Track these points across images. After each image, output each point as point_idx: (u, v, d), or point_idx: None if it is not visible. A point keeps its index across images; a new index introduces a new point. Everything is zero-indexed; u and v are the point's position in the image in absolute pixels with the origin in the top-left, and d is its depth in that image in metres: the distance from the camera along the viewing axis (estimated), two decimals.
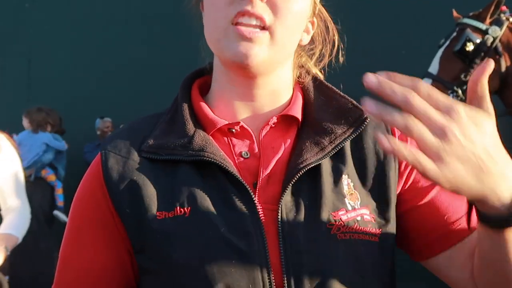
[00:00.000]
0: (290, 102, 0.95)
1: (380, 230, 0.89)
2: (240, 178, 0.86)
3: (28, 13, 6.59)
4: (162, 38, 5.67)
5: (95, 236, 0.90)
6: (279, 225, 0.84)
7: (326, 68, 1.03)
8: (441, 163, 0.67)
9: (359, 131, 0.92)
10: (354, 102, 0.94)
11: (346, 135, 0.91)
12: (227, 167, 0.86)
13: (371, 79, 0.69)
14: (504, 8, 2.91)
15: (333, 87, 0.98)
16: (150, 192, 0.86)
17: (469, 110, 0.70)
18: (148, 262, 0.86)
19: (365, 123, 0.92)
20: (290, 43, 0.90)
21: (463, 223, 0.93)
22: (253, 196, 0.85)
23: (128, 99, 5.47)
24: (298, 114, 0.94)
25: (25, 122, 5.39)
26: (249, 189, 0.86)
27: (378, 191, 0.91)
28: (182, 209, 0.85)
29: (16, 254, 2.29)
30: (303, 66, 1.00)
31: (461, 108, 0.69)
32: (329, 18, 1.00)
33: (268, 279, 0.81)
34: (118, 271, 0.90)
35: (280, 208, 0.85)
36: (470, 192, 0.70)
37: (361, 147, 0.93)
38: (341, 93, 0.96)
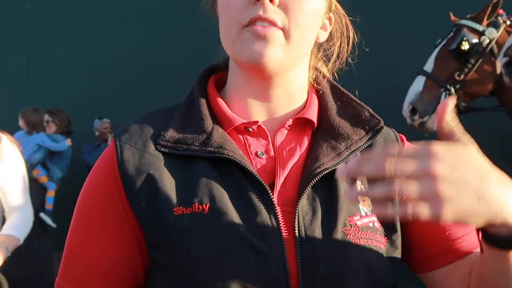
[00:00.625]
0: (305, 105, 0.95)
1: (387, 238, 0.90)
2: (260, 178, 0.86)
3: (27, 13, 6.59)
4: (162, 38, 5.67)
5: (106, 227, 0.88)
6: (296, 228, 0.84)
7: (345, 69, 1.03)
8: (439, 203, 0.67)
9: (374, 139, 0.93)
10: (371, 110, 0.96)
11: (362, 142, 0.92)
12: (246, 166, 0.86)
13: (340, 171, 0.71)
14: (501, 11, 2.94)
15: (349, 93, 0.98)
16: (167, 187, 0.85)
17: (444, 145, 0.70)
18: (163, 257, 0.85)
19: (381, 132, 0.93)
20: (305, 42, 0.90)
21: (464, 242, 0.93)
22: (272, 196, 0.85)
23: (127, 100, 5.47)
24: (314, 118, 0.94)
25: (21, 123, 5.40)
26: (268, 189, 0.85)
27: None
28: (200, 206, 0.84)
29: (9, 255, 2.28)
30: (319, 69, 1.00)
31: (436, 146, 0.69)
32: (345, 14, 1.01)
33: (285, 281, 0.81)
34: (128, 265, 0.89)
35: (297, 211, 0.85)
36: (476, 219, 0.70)
37: None
38: (357, 100, 0.97)
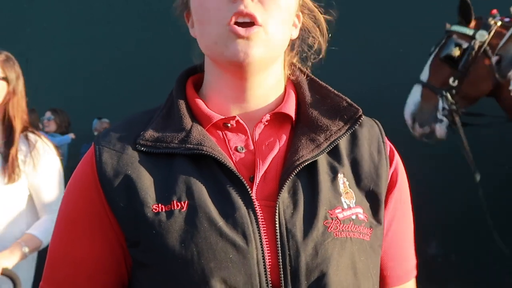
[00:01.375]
0: (283, 100, 0.97)
1: (372, 229, 0.91)
2: (237, 172, 0.87)
3: (26, 13, 6.58)
4: (163, 38, 5.67)
5: (88, 228, 0.90)
6: (276, 222, 0.85)
7: (322, 63, 1.04)
8: None
9: (353, 128, 0.94)
10: (349, 100, 0.96)
11: (341, 132, 0.93)
12: (224, 162, 0.87)
13: None
14: (494, 11, 2.97)
15: (327, 85, 0.99)
16: (146, 185, 0.87)
17: None
18: (143, 256, 0.86)
19: (360, 121, 0.94)
20: (282, 38, 0.91)
21: (399, 275, 0.99)
22: (250, 191, 0.86)
23: (126, 100, 5.46)
24: (292, 112, 0.96)
25: None
26: (246, 184, 0.87)
27: (371, 191, 0.93)
28: (179, 203, 0.85)
29: None
30: (294, 64, 1.01)
31: None
32: (315, 9, 1.02)
33: (265, 275, 0.82)
34: (113, 264, 0.91)
35: (277, 205, 0.86)
36: None
37: (357, 147, 0.95)
38: (335, 91, 0.98)
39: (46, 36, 6.32)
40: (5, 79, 2.35)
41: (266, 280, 0.82)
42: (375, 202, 0.93)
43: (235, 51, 0.86)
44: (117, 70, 5.68)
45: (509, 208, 3.63)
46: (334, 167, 0.92)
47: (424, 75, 3.05)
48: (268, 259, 0.83)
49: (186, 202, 0.85)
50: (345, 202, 0.89)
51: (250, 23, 0.86)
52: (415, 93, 3.04)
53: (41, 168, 2.31)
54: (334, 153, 0.93)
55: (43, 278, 0.95)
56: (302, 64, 1.02)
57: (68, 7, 6.30)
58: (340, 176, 0.91)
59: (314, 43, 1.02)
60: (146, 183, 0.87)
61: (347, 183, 0.91)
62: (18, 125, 2.34)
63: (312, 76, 1.01)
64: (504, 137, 3.52)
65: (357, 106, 0.95)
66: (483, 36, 2.90)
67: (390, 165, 0.97)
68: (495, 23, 2.95)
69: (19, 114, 2.35)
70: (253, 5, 0.86)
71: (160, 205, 0.85)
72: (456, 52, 2.90)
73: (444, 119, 2.96)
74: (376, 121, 1.01)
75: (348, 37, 3.92)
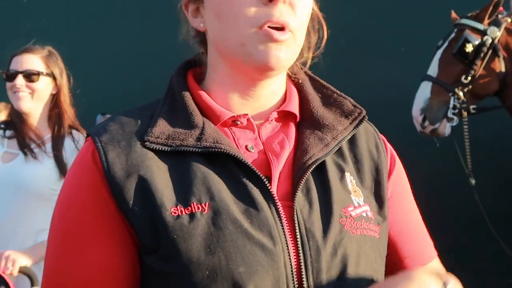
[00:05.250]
0: (285, 98, 0.95)
1: (379, 226, 0.91)
2: (258, 172, 0.84)
3: (26, 9, 6.57)
4: (165, 33, 5.65)
5: (102, 235, 0.83)
6: (296, 222, 0.83)
7: (319, 62, 1.03)
8: None
9: (358, 128, 0.94)
10: (352, 101, 0.96)
11: (347, 132, 0.92)
12: (244, 160, 0.84)
13: None
14: (501, 9, 2.93)
15: (329, 85, 0.99)
16: (161, 186, 0.81)
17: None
18: (162, 264, 0.81)
19: (363, 121, 0.95)
20: (302, 42, 0.91)
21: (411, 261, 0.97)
22: (272, 191, 0.84)
23: (130, 95, 5.45)
24: (296, 110, 0.95)
25: None
26: (267, 183, 0.84)
27: (375, 189, 0.94)
28: (199, 205, 0.81)
29: None
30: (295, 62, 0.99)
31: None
32: (318, 11, 1.01)
33: (292, 277, 0.80)
34: (129, 274, 0.84)
35: (295, 205, 0.84)
36: None
37: (356, 147, 0.95)
38: (337, 91, 0.98)
39: (46, 32, 6.31)
40: (50, 75, 2.35)
41: (293, 282, 0.80)
42: (378, 199, 0.93)
43: (267, 55, 0.84)
44: (119, 65, 5.67)
45: (508, 208, 3.63)
46: (340, 166, 0.91)
47: (433, 71, 2.97)
48: (294, 260, 0.82)
49: (207, 203, 0.81)
50: (355, 200, 0.89)
51: (282, 27, 0.85)
52: (425, 90, 2.94)
53: None
54: (338, 152, 0.93)
55: None
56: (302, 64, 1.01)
57: (68, 2, 6.29)
58: (347, 174, 0.91)
59: (314, 43, 1.01)
60: (161, 184, 0.82)
61: (354, 181, 0.91)
62: (65, 122, 2.34)
63: (313, 75, 1.00)
64: (504, 136, 3.51)
65: (360, 107, 0.95)
66: (494, 33, 2.86)
67: (386, 155, 0.98)
68: (505, 20, 2.93)
69: (66, 110, 2.36)
70: (286, 10, 0.84)
71: (179, 207, 0.80)
72: (469, 48, 2.82)
73: (455, 117, 2.91)
74: (371, 123, 1.01)
75: (348, 35, 3.91)
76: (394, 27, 4.20)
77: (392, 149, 1.01)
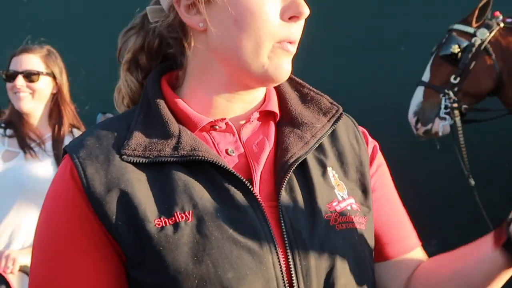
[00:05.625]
0: (265, 97, 0.96)
1: (366, 217, 0.93)
2: (239, 175, 0.84)
3: (26, 8, 6.57)
4: None
5: (86, 253, 0.82)
6: (282, 222, 0.84)
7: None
8: None
9: (335, 125, 0.95)
10: (329, 98, 0.98)
11: (326, 129, 0.94)
12: (223, 165, 0.84)
13: None
14: (497, 13, 3.02)
15: (305, 83, 1.00)
16: (143, 199, 0.81)
17: None
18: (150, 276, 0.81)
19: (341, 118, 0.96)
20: None
21: (406, 242, 0.99)
22: (255, 193, 0.85)
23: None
24: (276, 109, 0.95)
25: None
26: (249, 186, 0.85)
27: (359, 180, 0.95)
28: (183, 214, 0.81)
29: None
30: None
31: None
32: None
33: (282, 277, 0.81)
34: (117, 286, 0.84)
35: (280, 204, 0.85)
36: None
37: (338, 140, 0.96)
38: (314, 89, 0.99)
39: (47, 31, 6.30)
40: (50, 74, 2.34)
41: (284, 282, 0.81)
42: (363, 189, 0.95)
43: (281, 69, 0.87)
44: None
45: (507, 206, 3.63)
46: (322, 162, 0.92)
47: (426, 76, 3.10)
48: (283, 260, 0.82)
49: (191, 212, 0.81)
50: (338, 194, 0.90)
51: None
52: (418, 94, 3.08)
53: None
54: (319, 148, 0.94)
55: None
56: None
57: (68, 1, 6.29)
58: (329, 169, 0.92)
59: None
60: (142, 196, 0.81)
61: (336, 175, 0.92)
62: (66, 120, 2.34)
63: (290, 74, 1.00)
64: (503, 135, 3.52)
65: (337, 104, 0.97)
66: (484, 34, 2.95)
67: (367, 146, 1.00)
68: (498, 23, 3.01)
69: (66, 109, 2.36)
70: (300, 28, 0.89)
71: (162, 218, 0.80)
72: (456, 49, 2.95)
73: (447, 116, 3.01)
74: (347, 114, 1.02)
75: (348, 34, 3.91)
76: (394, 27, 4.20)
77: (373, 140, 1.03)
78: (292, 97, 0.96)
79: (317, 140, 0.92)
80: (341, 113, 0.96)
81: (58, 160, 2.28)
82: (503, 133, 3.50)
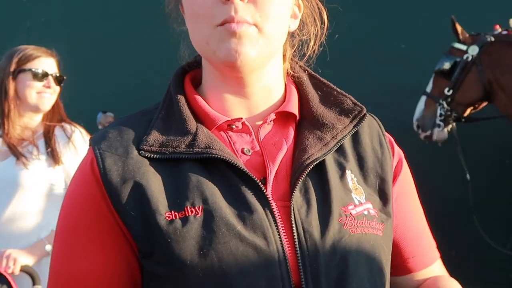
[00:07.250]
0: (285, 98, 0.95)
1: (383, 224, 0.90)
2: (252, 174, 0.84)
3: (25, 8, 6.57)
4: (165, 32, 5.65)
5: (100, 241, 0.85)
6: (293, 222, 0.83)
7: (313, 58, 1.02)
8: None
9: (358, 127, 0.93)
10: (353, 98, 0.95)
11: (347, 131, 0.92)
12: (237, 164, 0.84)
13: None
14: (497, 27, 3.34)
15: (329, 82, 0.97)
16: (156, 192, 0.83)
17: None
18: (157, 267, 0.83)
19: (364, 119, 0.93)
20: (278, 34, 0.88)
21: (417, 260, 0.99)
22: (265, 192, 0.84)
23: (130, 93, 5.46)
24: (295, 110, 0.94)
25: None
26: (261, 185, 0.84)
27: (378, 186, 0.93)
28: (193, 209, 0.82)
29: None
30: (294, 60, 0.99)
31: None
32: None
33: (288, 277, 0.81)
34: (128, 277, 0.86)
35: (292, 205, 0.84)
36: None
37: (359, 144, 0.94)
38: (337, 89, 0.96)
39: (46, 31, 6.31)
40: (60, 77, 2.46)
41: (289, 282, 0.81)
42: (383, 196, 0.93)
43: (228, 51, 0.83)
44: (119, 63, 5.67)
45: (499, 204, 3.67)
46: (341, 164, 0.91)
47: (429, 87, 3.49)
48: (290, 260, 0.82)
49: (201, 207, 0.82)
50: (355, 198, 0.89)
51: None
52: (421, 103, 3.49)
53: (77, 157, 2.32)
54: (340, 150, 0.92)
55: None
56: (301, 59, 0.99)
57: (67, 0, 6.29)
58: (348, 172, 0.90)
59: (316, 34, 0.99)
60: (156, 190, 0.83)
61: (355, 179, 0.91)
62: (56, 117, 2.41)
63: (313, 73, 0.99)
64: (503, 135, 3.54)
65: (361, 105, 0.94)
66: (474, 50, 3.31)
67: (393, 156, 0.97)
68: (490, 38, 3.30)
69: (55, 106, 2.44)
70: (243, 6, 0.83)
71: (173, 212, 0.82)
72: (447, 66, 3.37)
73: (442, 123, 3.41)
74: (374, 116, 1.00)
75: (348, 33, 3.91)
76: (395, 25, 4.20)
77: (400, 150, 1.00)
78: (314, 97, 0.95)
79: (337, 142, 0.90)
80: (364, 114, 0.93)
81: (51, 155, 2.31)
82: (504, 133, 3.55)
